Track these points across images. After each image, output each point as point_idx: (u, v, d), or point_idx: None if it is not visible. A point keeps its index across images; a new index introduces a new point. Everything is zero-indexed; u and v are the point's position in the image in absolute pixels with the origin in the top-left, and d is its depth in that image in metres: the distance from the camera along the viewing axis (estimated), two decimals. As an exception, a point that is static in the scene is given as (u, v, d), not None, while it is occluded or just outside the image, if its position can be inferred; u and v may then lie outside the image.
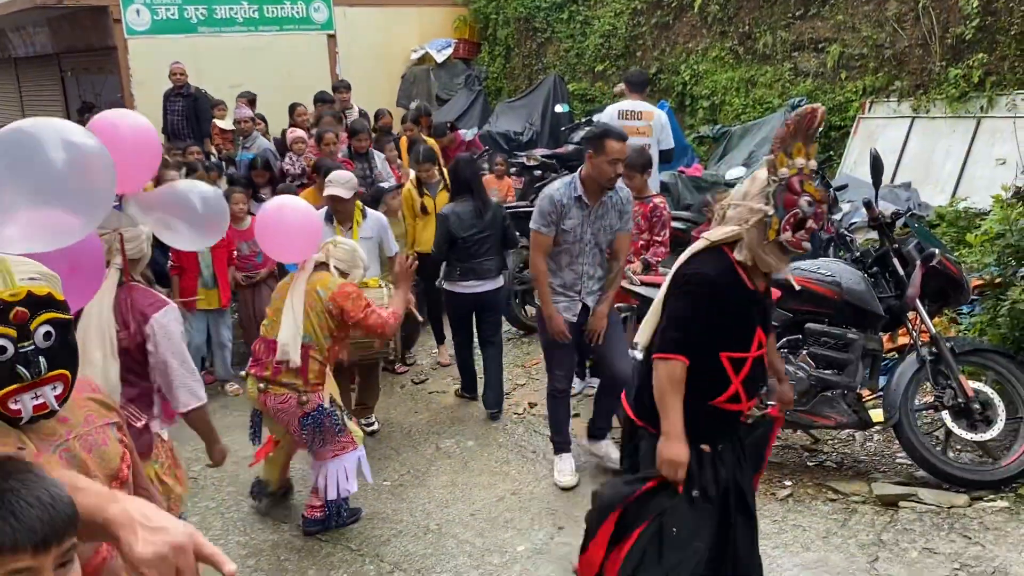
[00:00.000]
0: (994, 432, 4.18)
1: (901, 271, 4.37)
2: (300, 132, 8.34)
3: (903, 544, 3.85)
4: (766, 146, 8.56)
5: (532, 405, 5.91)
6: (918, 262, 4.28)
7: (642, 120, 7.20)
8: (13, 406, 1.58)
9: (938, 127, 8.82)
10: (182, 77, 10.03)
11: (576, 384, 5.94)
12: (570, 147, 9.54)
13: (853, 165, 8.92)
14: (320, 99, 9.64)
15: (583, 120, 10.32)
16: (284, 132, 8.83)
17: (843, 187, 6.97)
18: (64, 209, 2.06)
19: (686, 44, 11.34)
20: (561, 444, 4.89)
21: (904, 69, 9.19)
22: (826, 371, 4.36)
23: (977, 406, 4.19)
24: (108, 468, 1.79)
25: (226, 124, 9.68)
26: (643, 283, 4.92)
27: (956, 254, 5.44)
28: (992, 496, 4.12)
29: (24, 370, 1.57)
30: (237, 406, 6.09)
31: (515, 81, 13.70)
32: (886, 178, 8.54)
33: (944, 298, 4.46)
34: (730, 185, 7.81)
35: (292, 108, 9.34)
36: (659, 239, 5.41)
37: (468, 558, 4.11)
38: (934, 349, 4.28)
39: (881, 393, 4.46)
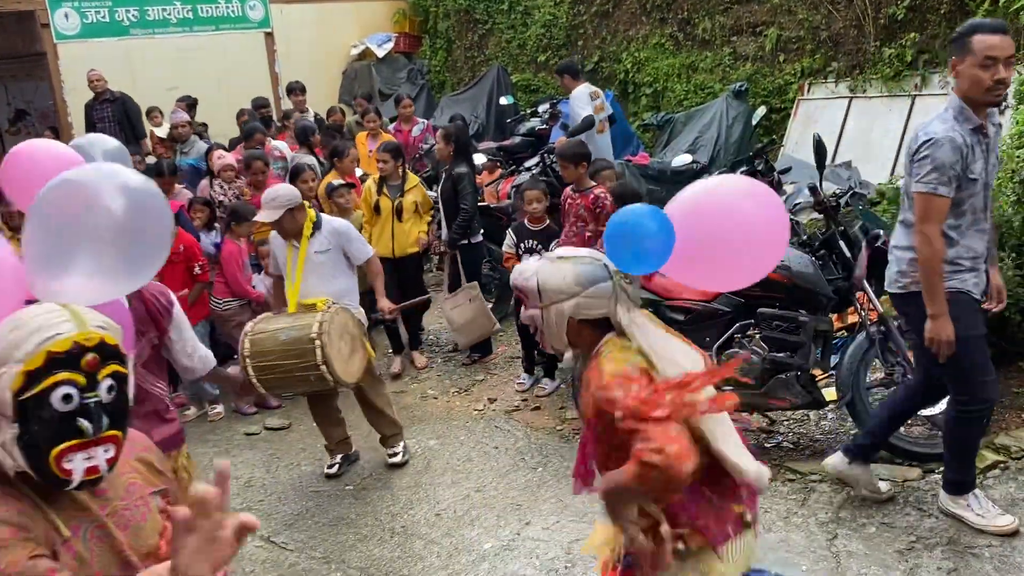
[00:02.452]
0: (942, 406, 4.29)
1: (848, 253, 4.46)
2: (229, 159, 7.31)
3: (860, 520, 3.94)
4: (710, 131, 8.68)
5: (492, 400, 5.92)
6: (864, 244, 4.38)
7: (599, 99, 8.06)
8: (66, 465, 1.44)
9: (875, 106, 9.02)
10: (101, 83, 9.78)
11: (547, 385, 5.96)
12: (517, 139, 9.54)
13: (795, 147, 9.08)
14: (257, 106, 9.47)
15: (528, 111, 10.33)
16: (208, 153, 7.80)
17: (786, 170, 7.10)
18: (120, 259, 1.91)
19: (626, 32, 11.41)
20: (970, 482, 3.81)
21: (840, 50, 9.37)
22: (779, 354, 4.43)
23: (925, 381, 4.30)
24: (145, 546, 1.62)
25: (163, 132, 9.46)
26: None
27: (898, 232, 5.56)
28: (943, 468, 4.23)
29: (87, 424, 1.46)
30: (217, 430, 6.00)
31: (458, 74, 13.65)
32: (827, 158, 8.72)
33: (890, 277, 4.55)
34: (677, 173, 7.90)
35: (251, 133, 8.07)
36: (605, 228, 5.43)
37: (436, 559, 4.11)
38: (882, 327, 4.38)
39: (833, 373, 4.56)
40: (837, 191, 7.18)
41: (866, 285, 4.39)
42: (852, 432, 4.72)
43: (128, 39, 11.44)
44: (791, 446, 4.80)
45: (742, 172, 6.79)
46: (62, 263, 1.79)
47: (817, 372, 4.57)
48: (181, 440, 3.14)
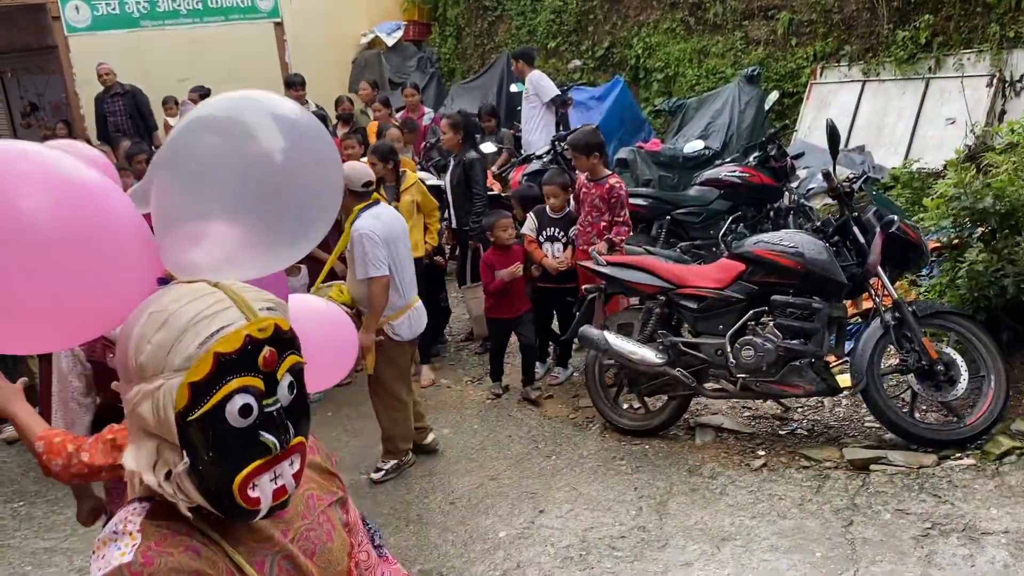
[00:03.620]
0: (958, 392, 4.28)
1: (862, 239, 4.44)
2: None
3: (876, 507, 3.93)
4: (722, 117, 8.63)
5: (505, 389, 5.93)
6: (878, 229, 4.35)
7: None
8: (253, 493, 1.13)
9: (888, 89, 8.95)
10: (110, 76, 9.78)
11: (560, 373, 5.97)
12: (527, 127, 9.50)
13: (808, 131, 9.02)
14: None
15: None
16: None
17: (799, 155, 7.06)
18: (282, 218, 1.43)
19: (637, 17, 11.34)
20: None
21: (853, 33, 9.28)
22: (793, 341, 4.42)
23: (941, 367, 4.29)
24: (335, 572, 1.34)
25: (177, 122, 9.49)
26: (609, 263, 4.94)
27: (913, 217, 5.54)
28: (959, 454, 4.22)
29: (272, 438, 1.14)
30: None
31: (468, 61, 13.61)
32: (841, 142, 8.66)
33: (904, 263, 4.54)
34: (689, 159, 7.87)
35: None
36: (620, 219, 5.42)
37: (451, 547, 4.13)
38: (897, 314, 4.36)
39: (847, 359, 4.55)
40: (851, 176, 7.16)
41: (880, 271, 4.37)
42: (867, 419, 4.71)
43: (139, 31, 11.44)
44: (805, 433, 4.79)
45: (755, 157, 6.78)
46: (205, 226, 1.36)
47: (831, 359, 4.56)
48: None
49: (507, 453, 5.03)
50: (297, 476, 1.21)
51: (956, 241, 4.84)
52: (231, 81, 11.33)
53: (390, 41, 13.60)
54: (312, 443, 1.40)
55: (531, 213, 5.89)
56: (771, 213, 6.65)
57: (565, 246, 5.69)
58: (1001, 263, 4.45)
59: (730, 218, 6.69)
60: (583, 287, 5.16)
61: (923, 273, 5.54)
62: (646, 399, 5.05)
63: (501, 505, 4.45)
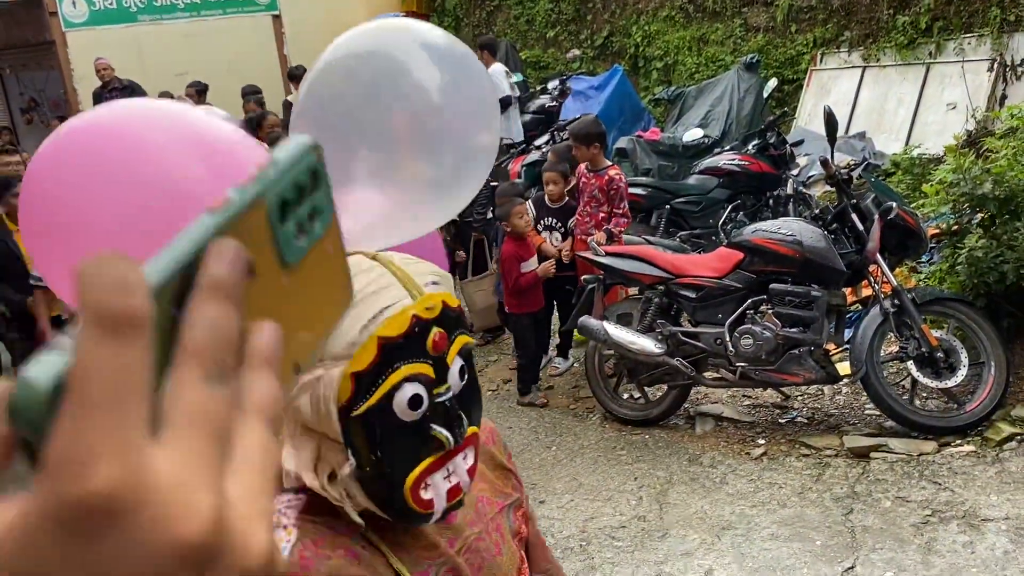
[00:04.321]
0: (958, 379, 4.27)
1: (860, 226, 4.42)
2: None
3: (876, 494, 3.93)
4: (721, 105, 8.59)
5: (505, 382, 5.93)
6: (876, 216, 4.33)
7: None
8: (426, 495, 1.00)
9: (889, 75, 8.90)
10: (108, 71, 9.75)
11: (560, 363, 5.97)
12: (527, 117, 9.48)
13: (808, 118, 8.98)
14: (250, 92, 9.40)
15: (538, 88, 10.27)
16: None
17: (799, 142, 7.03)
18: (440, 167, 1.22)
19: (635, 5, 11.29)
20: None
21: (853, 19, 9.24)
22: (792, 329, 4.41)
23: (940, 354, 4.28)
24: None
25: None
26: (607, 253, 4.93)
27: (912, 203, 5.51)
28: (959, 441, 4.22)
29: (445, 432, 1.00)
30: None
31: (467, 52, 13.57)
32: (841, 129, 8.62)
33: (903, 250, 4.52)
34: (688, 148, 7.84)
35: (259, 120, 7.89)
36: (619, 211, 5.40)
37: (451, 540, 4.14)
38: (896, 301, 4.34)
39: (847, 347, 4.54)
40: (851, 162, 7.14)
41: (879, 258, 4.35)
42: (867, 406, 4.71)
43: (136, 25, 11.43)
44: (805, 421, 4.79)
45: (754, 145, 6.76)
46: (353, 185, 1.15)
47: (831, 347, 4.55)
48: None
49: (507, 444, 5.03)
50: (471, 471, 1.06)
51: (956, 227, 4.82)
52: (229, 75, 11.33)
53: (388, 32, 13.56)
54: (488, 430, 1.27)
55: (529, 202, 5.87)
56: (771, 201, 6.63)
57: (564, 236, 5.68)
58: (1001, 249, 4.43)
59: (730, 207, 6.67)
60: (582, 277, 5.15)
61: (923, 260, 5.53)
62: (646, 389, 5.04)
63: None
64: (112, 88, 9.79)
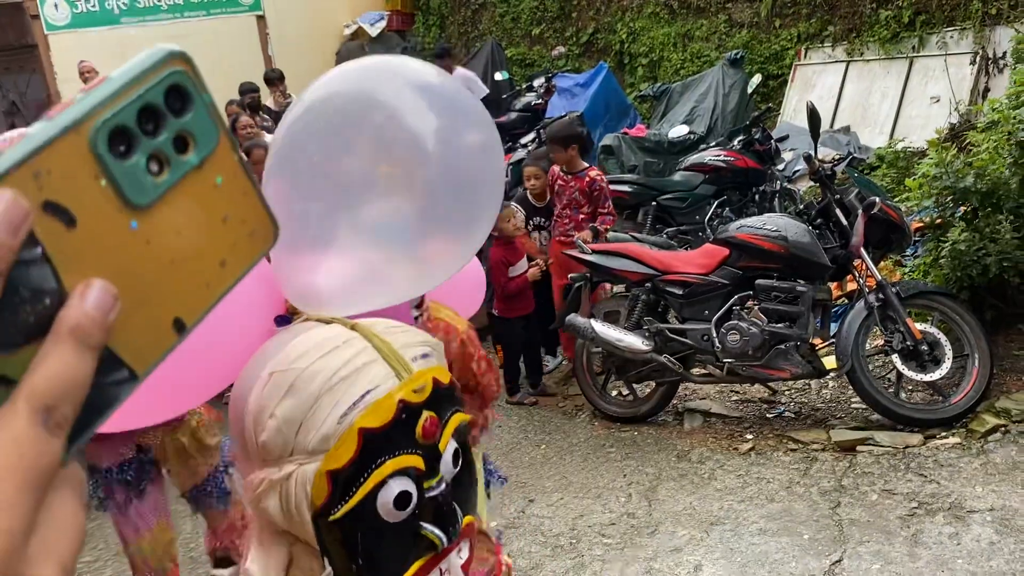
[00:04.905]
0: (943, 371, 4.31)
1: (844, 221, 4.45)
2: None
3: (863, 488, 3.96)
4: (706, 101, 8.61)
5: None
6: (860, 211, 4.36)
7: None
8: None
9: (873, 69, 8.95)
10: (92, 74, 9.67)
11: (549, 361, 5.98)
12: (512, 115, 9.47)
13: (793, 113, 9.02)
14: (247, 90, 9.36)
15: (524, 86, 10.26)
16: None
17: (784, 137, 7.05)
18: (441, 223, 1.07)
19: (620, 2, 11.29)
20: None
21: (836, 13, 9.28)
22: (778, 325, 4.43)
23: (925, 347, 4.31)
24: None
25: None
26: (594, 251, 4.94)
27: (896, 197, 5.55)
28: (944, 433, 4.25)
29: (437, 532, 0.87)
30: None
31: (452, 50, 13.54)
32: (826, 123, 8.66)
33: (887, 244, 4.55)
34: (674, 144, 7.85)
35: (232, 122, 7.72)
36: (604, 210, 5.39)
37: (441, 540, 4.14)
38: (881, 295, 4.37)
39: (833, 341, 4.56)
40: (836, 157, 7.17)
41: (863, 253, 4.38)
42: (853, 400, 4.73)
43: (119, 28, 11.36)
44: (793, 416, 4.81)
45: (739, 141, 6.78)
46: (336, 242, 1.02)
47: (817, 341, 4.58)
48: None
49: (496, 443, 5.04)
50: (466, 567, 0.93)
51: (939, 221, 4.85)
52: (214, 76, 11.17)
53: (373, 32, 13.52)
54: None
55: (514, 203, 5.84)
56: (756, 197, 6.65)
57: (551, 235, 5.68)
58: (983, 242, 4.46)
59: (716, 203, 6.69)
60: (569, 275, 5.15)
61: (907, 253, 5.56)
62: (634, 386, 5.06)
63: (491, 495, 4.46)
64: (96, 91, 9.72)
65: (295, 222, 0.99)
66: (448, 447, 0.89)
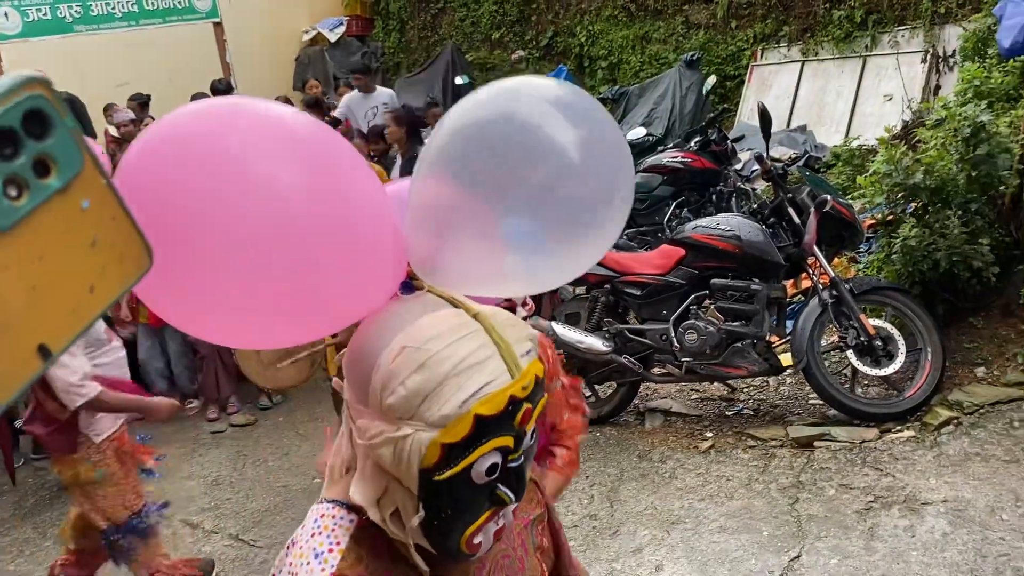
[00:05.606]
0: (896, 365, 4.37)
1: (797, 219, 4.50)
2: None
3: (820, 483, 4.00)
4: (664, 103, 8.67)
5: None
6: (812, 209, 4.41)
7: None
8: (477, 540, 1.06)
9: (827, 68, 9.06)
10: None
11: None
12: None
13: (750, 114, 9.10)
14: (218, 91, 9.27)
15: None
16: None
17: (740, 138, 7.12)
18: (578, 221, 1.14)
19: (579, 5, 11.34)
20: None
21: (791, 14, 9.39)
22: (734, 323, 4.47)
23: (879, 342, 4.37)
24: None
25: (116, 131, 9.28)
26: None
27: (851, 195, 5.62)
28: (899, 427, 4.31)
29: (509, 492, 1.06)
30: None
31: (413, 55, 13.52)
32: (782, 123, 8.77)
33: (840, 241, 4.61)
34: (633, 146, 7.90)
35: None
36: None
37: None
38: (834, 292, 4.42)
39: (789, 338, 4.61)
40: (793, 156, 7.25)
41: (816, 250, 4.43)
42: (811, 396, 4.79)
43: (73, 36, 11.18)
44: (751, 413, 4.85)
45: (696, 142, 6.83)
46: (471, 230, 1.10)
47: (774, 339, 4.62)
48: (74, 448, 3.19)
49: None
50: (516, 511, 1.13)
51: (890, 217, 4.92)
52: (172, 85, 11.16)
53: (333, 37, 13.45)
54: None
55: None
56: (714, 197, 6.71)
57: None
58: (933, 237, 4.53)
59: (674, 203, 6.74)
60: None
61: (861, 250, 5.64)
62: (596, 387, 5.07)
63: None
64: (49, 102, 9.55)
65: (440, 213, 1.11)
66: (531, 428, 1.06)
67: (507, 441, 1.02)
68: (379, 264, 1.07)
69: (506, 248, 1.11)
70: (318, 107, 8.91)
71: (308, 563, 1.05)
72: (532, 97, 1.13)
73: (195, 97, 9.32)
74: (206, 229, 0.91)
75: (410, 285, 1.13)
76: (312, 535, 1.08)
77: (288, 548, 1.09)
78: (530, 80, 1.17)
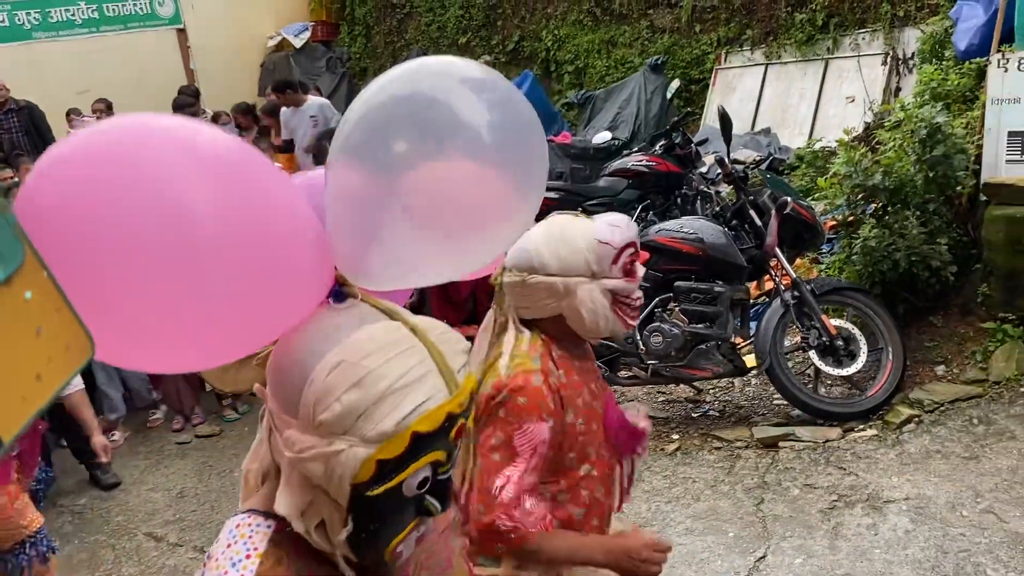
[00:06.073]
0: (858, 365, 4.42)
1: (758, 221, 4.53)
2: None
3: (785, 483, 4.03)
4: (630, 107, 8.71)
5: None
6: (773, 211, 4.45)
7: None
8: (399, 549, 1.07)
9: (790, 71, 9.15)
10: (4, 92, 9.37)
11: None
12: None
13: (714, 117, 9.14)
14: (180, 105, 9.17)
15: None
16: None
17: (704, 141, 7.16)
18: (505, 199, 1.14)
19: (545, 10, 11.36)
20: None
21: (754, 17, 9.46)
22: (699, 325, 4.49)
23: (841, 342, 4.41)
24: None
25: None
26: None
27: (812, 197, 5.68)
28: (862, 426, 4.36)
29: (437, 504, 1.06)
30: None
31: (379, 60, 13.46)
32: (746, 125, 8.84)
33: (801, 242, 4.65)
34: (599, 150, 7.92)
35: None
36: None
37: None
38: (796, 293, 4.47)
39: (753, 340, 4.64)
40: (757, 158, 7.31)
41: (778, 252, 4.47)
42: (775, 397, 4.82)
43: (31, 43, 11.03)
44: (717, 415, 4.88)
45: (661, 146, 6.86)
46: (390, 226, 1.07)
47: (738, 340, 4.65)
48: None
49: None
50: (439, 521, 1.13)
51: (851, 218, 4.98)
52: (135, 92, 11.03)
53: (298, 43, 13.37)
54: None
55: None
56: (679, 200, 6.74)
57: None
58: (893, 238, 4.59)
59: (640, 207, 6.76)
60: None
61: (823, 251, 5.69)
62: (563, 392, 5.06)
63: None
64: (8, 109, 9.41)
65: (356, 205, 1.09)
66: (461, 440, 1.07)
67: (440, 456, 1.02)
68: (301, 271, 1.04)
69: (420, 236, 1.08)
70: (250, 114, 8.79)
71: (225, 573, 1.02)
72: (434, 74, 1.11)
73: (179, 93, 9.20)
74: (115, 253, 0.86)
75: (341, 293, 1.10)
76: (228, 545, 1.05)
77: (205, 564, 1.06)
78: (431, 59, 1.16)
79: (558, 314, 1.75)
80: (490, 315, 1.85)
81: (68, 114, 9.74)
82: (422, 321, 1.06)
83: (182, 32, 12.30)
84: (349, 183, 1.09)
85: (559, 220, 1.78)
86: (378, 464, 0.97)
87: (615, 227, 1.78)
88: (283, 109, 8.30)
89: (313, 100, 8.30)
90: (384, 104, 1.10)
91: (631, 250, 1.80)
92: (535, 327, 1.78)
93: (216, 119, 9.17)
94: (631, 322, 1.81)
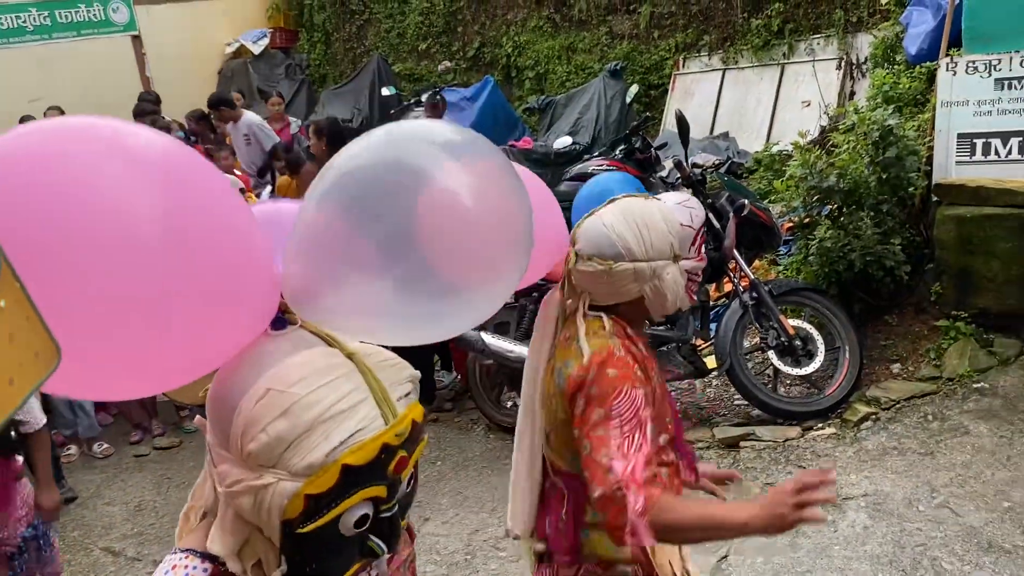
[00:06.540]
0: (816, 364, 4.48)
1: (717, 224, 4.57)
2: None
3: (746, 483, 4.06)
4: (590, 112, 8.76)
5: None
6: (731, 214, 4.50)
7: None
8: None
9: (747, 76, 9.27)
10: None
11: (444, 377, 5.95)
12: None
13: (674, 121, 9.24)
14: (147, 108, 9.01)
15: (412, 101, 10.22)
16: None
17: (664, 145, 7.21)
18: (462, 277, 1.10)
19: (505, 16, 11.40)
20: None
21: (711, 23, 9.58)
22: (659, 327, 4.52)
23: (799, 342, 4.47)
24: None
25: None
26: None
27: (769, 199, 5.75)
28: (821, 425, 4.41)
29: (381, 544, 1.00)
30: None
31: (339, 67, 13.39)
32: (705, 130, 8.93)
33: (759, 244, 4.70)
34: (560, 155, 7.95)
35: None
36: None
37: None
38: (755, 294, 4.52)
39: (713, 341, 4.69)
40: (716, 162, 7.37)
41: (736, 254, 4.51)
42: (736, 398, 4.87)
43: (-18, 51, 10.81)
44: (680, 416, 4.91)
45: (621, 150, 6.90)
46: (361, 269, 1.03)
47: (699, 342, 4.69)
48: None
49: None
50: (391, 561, 1.09)
51: (807, 220, 5.05)
52: (89, 99, 10.85)
53: (256, 49, 13.26)
54: None
55: None
56: (640, 203, 6.77)
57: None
58: (848, 238, 4.67)
59: (601, 211, 6.78)
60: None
61: (781, 252, 5.77)
62: (527, 396, 5.07)
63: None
64: (-44, 119, 9.20)
65: (328, 240, 1.04)
66: (407, 475, 1.01)
67: (379, 491, 0.96)
68: (243, 280, 0.99)
69: (391, 288, 1.02)
70: (206, 121, 8.66)
71: None
72: (422, 141, 1.09)
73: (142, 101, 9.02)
74: (47, 267, 0.80)
75: (282, 320, 1.05)
76: None
77: None
78: (422, 123, 1.17)
79: (637, 297, 1.73)
80: (554, 292, 1.84)
81: (21, 122, 9.54)
82: (364, 347, 1.01)
83: (137, 39, 12.10)
84: (325, 226, 1.06)
85: (634, 205, 1.74)
86: (307, 499, 0.91)
87: (690, 209, 1.86)
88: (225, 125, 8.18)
89: (245, 118, 8.09)
90: (374, 164, 1.08)
91: (704, 229, 1.87)
92: (606, 310, 1.75)
93: (168, 129, 9.01)
94: (694, 297, 1.87)
